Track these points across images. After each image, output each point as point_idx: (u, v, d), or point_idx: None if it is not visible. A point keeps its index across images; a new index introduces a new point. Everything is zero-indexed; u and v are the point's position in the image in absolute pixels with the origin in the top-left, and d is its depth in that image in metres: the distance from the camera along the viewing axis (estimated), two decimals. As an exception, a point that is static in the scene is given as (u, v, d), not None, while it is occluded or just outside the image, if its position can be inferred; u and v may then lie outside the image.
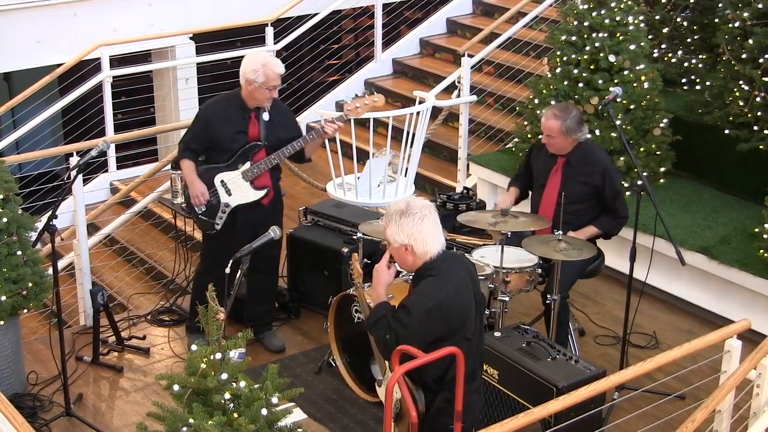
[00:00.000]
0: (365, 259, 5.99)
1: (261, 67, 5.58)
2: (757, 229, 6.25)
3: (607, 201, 5.78)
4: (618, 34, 6.99)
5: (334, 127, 5.73)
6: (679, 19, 7.97)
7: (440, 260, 4.07)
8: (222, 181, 5.75)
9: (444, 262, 4.09)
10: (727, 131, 6.89)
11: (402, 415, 4.10)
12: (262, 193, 5.79)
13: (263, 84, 5.59)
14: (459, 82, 8.13)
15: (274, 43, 9.48)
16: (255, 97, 5.67)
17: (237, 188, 5.75)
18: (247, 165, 5.72)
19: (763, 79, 6.66)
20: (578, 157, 5.80)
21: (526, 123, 7.65)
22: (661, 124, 7.09)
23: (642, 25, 7.17)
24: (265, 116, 5.74)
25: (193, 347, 3.52)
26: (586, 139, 5.86)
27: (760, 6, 6.74)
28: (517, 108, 8.35)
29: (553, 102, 6.92)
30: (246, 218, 5.80)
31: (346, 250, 6.24)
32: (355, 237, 6.08)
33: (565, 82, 7.08)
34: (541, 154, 5.99)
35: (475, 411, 4.23)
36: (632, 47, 7.00)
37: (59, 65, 8.61)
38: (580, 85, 7.01)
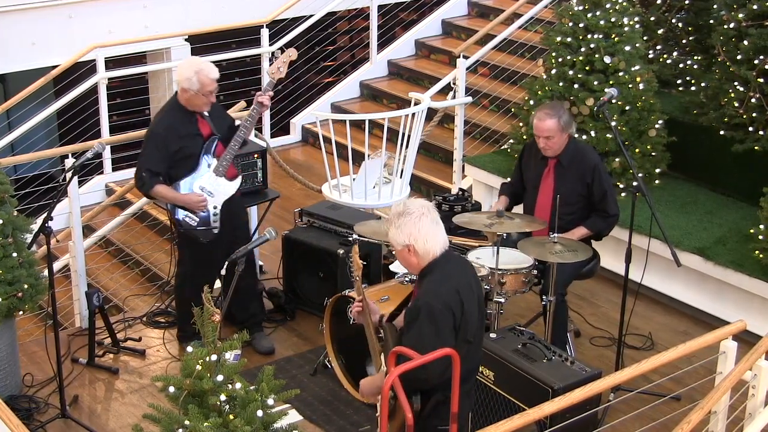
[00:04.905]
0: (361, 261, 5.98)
1: (194, 74, 5.64)
2: (752, 230, 6.26)
3: (595, 199, 5.77)
4: (613, 36, 7.00)
5: (268, 95, 5.85)
6: (674, 21, 7.99)
7: (444, 260, 4.06)
8: (201, 188, 5.80)
9: (448, 262, 4.08)
10: (722, 132, 6.90)
11: (393, 414, 4.09)
12: (238, 181, 5.91)
13: (199, 91, 5.67)
14: (454, 84, 8.12)
15: (270, 45, 9.48)
16: (192, 103, 5.75)
17: (216, 187, 5.82)
18: (214, 161, 5.80)
19: (758, 80, 6.67)
20: (569, 157, 5.79)
21: (521, 124, 7.65)
22: (657, 125, 7.10)
23: (637, 26, 7.18)
24: (205, 112, 5.85)
25: (189, 349, 3.52)
26: (575, 137, 5.86)
27: (755, 7, 6.75)
28: (513, 109, 8.35)
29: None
30: (222, 211, 5.87)
31: (341, 251, 6.24)
32: (350, 238, 6.08)
33: (561, 84, 7.09)
34: (532, 156, 5.98)
35: (464, 414, 4.22)
36: (627, 48, 7.00)
37: (54, 67, 8.60)
38: (576, 86, 7.01)
